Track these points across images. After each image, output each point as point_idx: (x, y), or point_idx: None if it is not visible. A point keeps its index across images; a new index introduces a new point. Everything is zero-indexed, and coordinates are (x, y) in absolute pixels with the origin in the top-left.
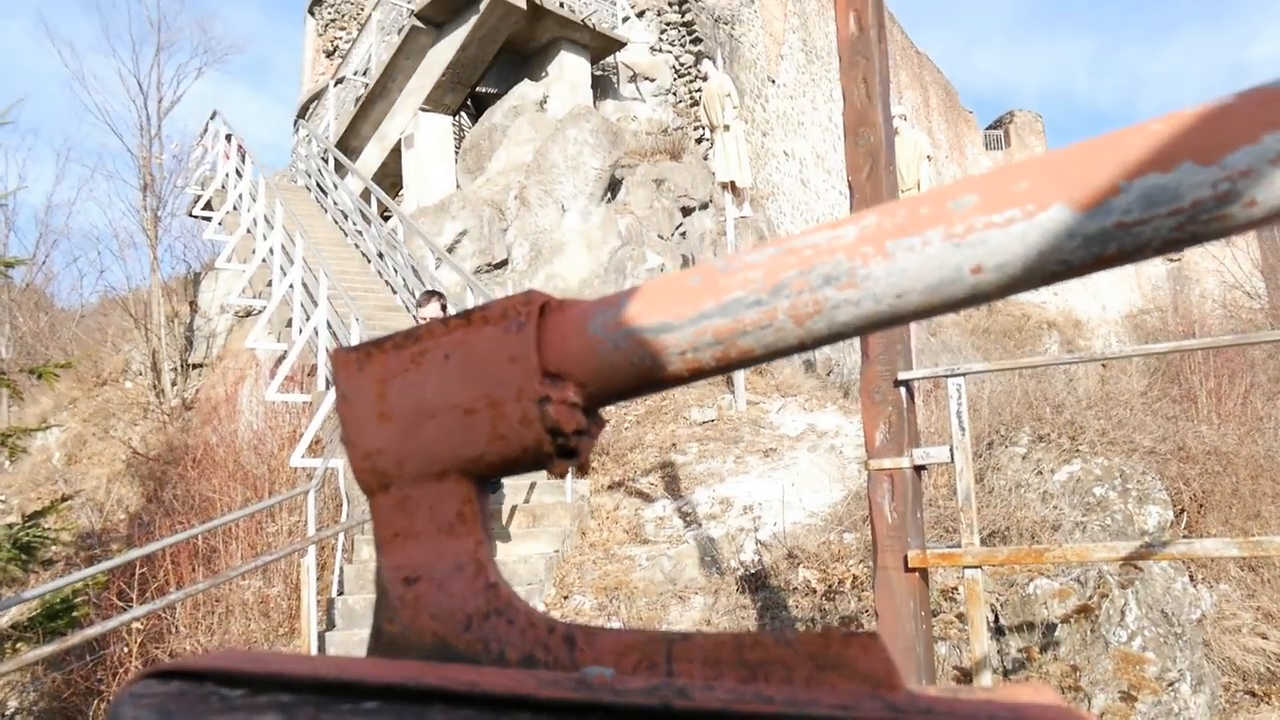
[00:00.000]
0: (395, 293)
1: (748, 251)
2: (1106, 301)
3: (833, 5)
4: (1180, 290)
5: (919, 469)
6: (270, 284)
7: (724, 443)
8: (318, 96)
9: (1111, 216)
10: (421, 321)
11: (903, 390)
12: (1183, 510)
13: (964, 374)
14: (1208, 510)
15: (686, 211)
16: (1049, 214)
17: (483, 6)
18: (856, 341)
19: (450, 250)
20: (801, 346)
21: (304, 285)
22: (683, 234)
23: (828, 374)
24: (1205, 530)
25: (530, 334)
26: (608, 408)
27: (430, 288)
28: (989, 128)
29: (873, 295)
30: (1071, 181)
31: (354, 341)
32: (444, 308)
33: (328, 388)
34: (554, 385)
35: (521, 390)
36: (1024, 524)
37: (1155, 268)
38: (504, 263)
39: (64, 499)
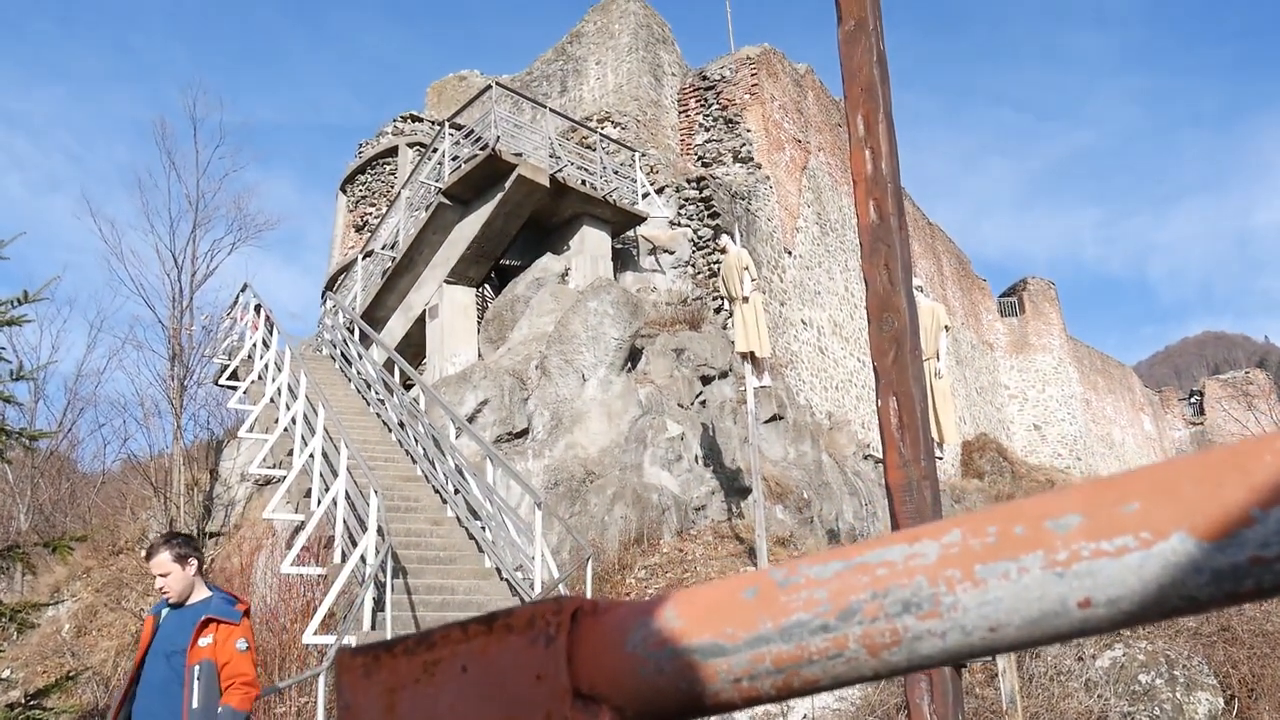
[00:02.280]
0: (415, 462)
1: (809, 562)
2: (1132, 466)
3: (847, 180)
4: None
5: (959, 668)
6: (291, 453)
7: None
8: (346, 269)
9: (1246, 550)
10: (156, 577)
11: None
12: (1233, 696)
13: None
14: (1259, 696)
15: (706, 380)
16: (1169, 544)
17: (508, 185)
18: (879, 509)
19: (471, 419)
20: (876, 677)
21: (324, 455)
22: (703, 402)
23: (851, 544)
24: (1258, 719)
25: (560, 649)
26: (628, 578)
27: (171, 531)
28: (1003, 295)
29: (961, 627)
30: (1192, 506)
31: (372, 513)
32: (182, 559)
33: (343, 561)
34: (586, 709)
35: (550, 715)
36: (1068, 715)
37: (1179, 431)
38: (524, 432)
39: (69, 676)
